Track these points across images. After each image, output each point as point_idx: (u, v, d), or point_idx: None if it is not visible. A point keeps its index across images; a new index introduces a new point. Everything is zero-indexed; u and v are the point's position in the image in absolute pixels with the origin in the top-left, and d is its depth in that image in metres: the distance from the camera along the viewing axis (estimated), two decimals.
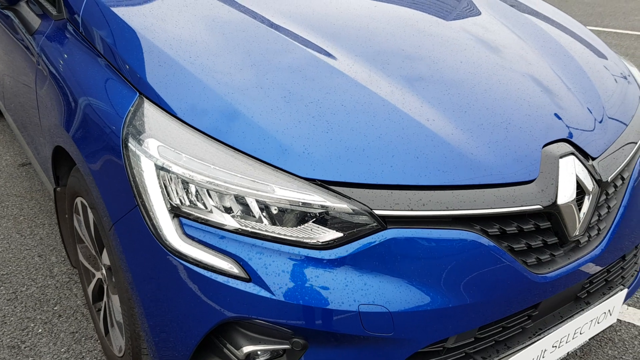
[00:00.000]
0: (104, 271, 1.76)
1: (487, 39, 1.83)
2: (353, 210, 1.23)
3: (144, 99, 1.41)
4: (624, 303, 1.87)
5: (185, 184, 1.27)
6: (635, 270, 1.82)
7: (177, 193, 1.28)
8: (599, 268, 1.54)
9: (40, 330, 2.03)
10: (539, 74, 1.69)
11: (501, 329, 1.45)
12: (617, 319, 2.13)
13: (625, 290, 1.67)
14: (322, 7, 1.85)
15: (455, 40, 1.77)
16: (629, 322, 2.12)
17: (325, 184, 1.25)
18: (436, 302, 1.27)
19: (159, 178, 1.29)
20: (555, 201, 1.35)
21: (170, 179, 1.28)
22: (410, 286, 1.26)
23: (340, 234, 1.24)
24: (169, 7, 1.73)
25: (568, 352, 1.62)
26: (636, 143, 1.64)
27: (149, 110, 1.38)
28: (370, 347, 1.28)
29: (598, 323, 1.65)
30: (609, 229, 1.54)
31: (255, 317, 1.25)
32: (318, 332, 1.26)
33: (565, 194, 1.37)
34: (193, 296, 1.28)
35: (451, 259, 1.27)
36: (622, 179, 1.58)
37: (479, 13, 2.05)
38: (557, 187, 1.37)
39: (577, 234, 1.41)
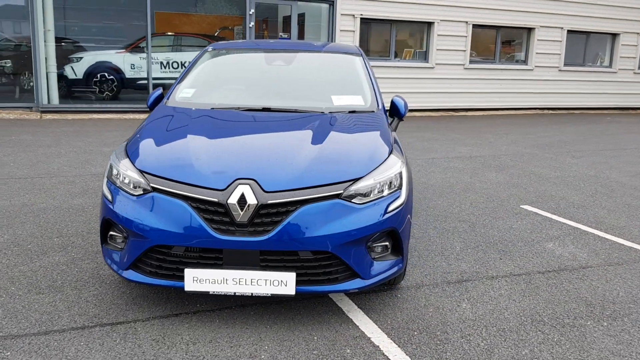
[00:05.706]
0: None
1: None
2: (144, 183, 3.25)
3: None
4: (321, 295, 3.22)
5: (119, 175, 3.47)
6: (329, 276, 3.18)
7: (115, 177, 3.49)
8: (267, 249, 3.08)
9: None
10: (282, 154, 3.42)
11: (200, 256, 3.15)
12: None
13: (294, 274, 3.09)
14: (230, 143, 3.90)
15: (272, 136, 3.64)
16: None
17: (148, 174, 3.30)
18: (164, 226, 3.13)
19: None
20: (227, 201, 3.08)
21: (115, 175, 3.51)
22: (155, 216, 3.17)
23: (142, 191, 3.26)
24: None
25: (252, 293, 3.11)
26: (302, 197, 3.14)
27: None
28: (141, 238, 3.20)
29: (274, 285, 3.11)
30: (274, 231, 3.09)
31: (110, 217, 3.33)
32: (127, 230, 3.25)
33: (233, 199, 3.08)
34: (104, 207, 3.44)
35: (174, 211, 3.14)
36: (291, 209, 3.11)
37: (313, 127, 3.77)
38: (230, 194, 3.10)
39: (239, 221, 3.06)
